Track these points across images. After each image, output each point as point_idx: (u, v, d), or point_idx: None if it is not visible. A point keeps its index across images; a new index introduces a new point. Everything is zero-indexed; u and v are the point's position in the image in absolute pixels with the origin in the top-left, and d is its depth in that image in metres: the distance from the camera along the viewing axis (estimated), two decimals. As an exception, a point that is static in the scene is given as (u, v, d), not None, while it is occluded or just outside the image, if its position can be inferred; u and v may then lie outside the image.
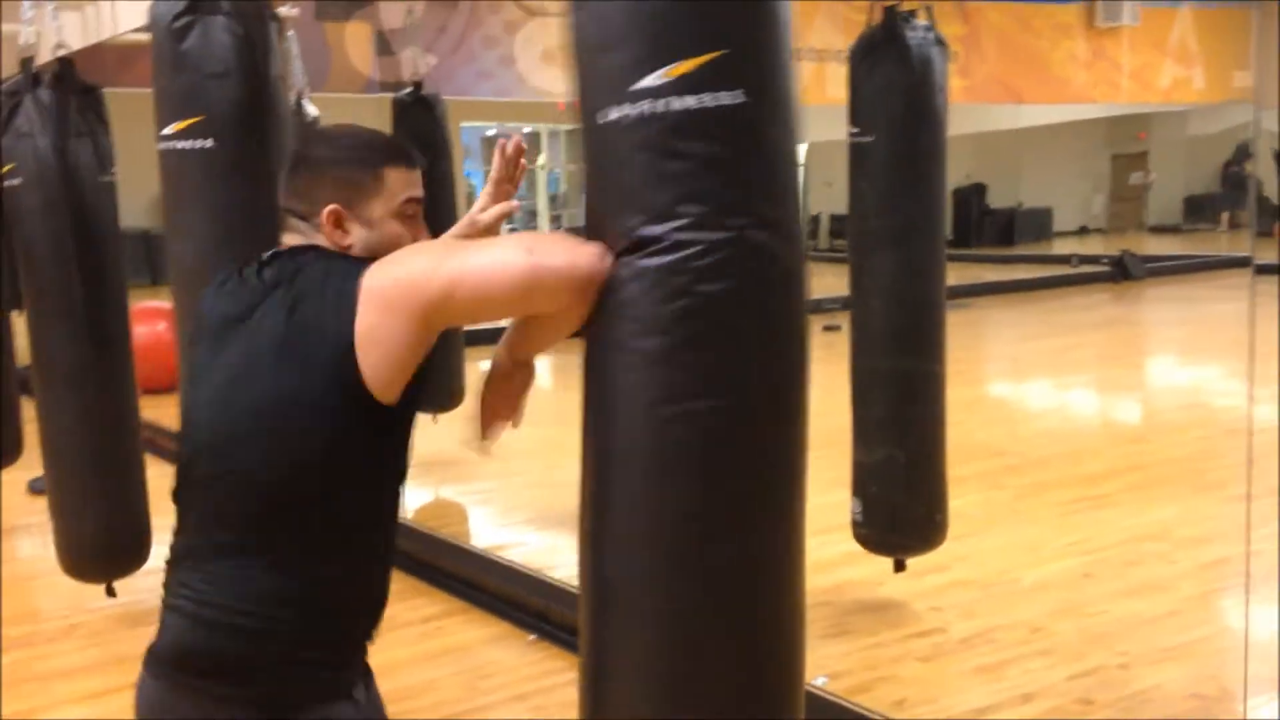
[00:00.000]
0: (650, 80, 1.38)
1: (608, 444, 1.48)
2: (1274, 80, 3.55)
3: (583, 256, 1.41)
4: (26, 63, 3.52)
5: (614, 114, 1.39)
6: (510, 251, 1.44)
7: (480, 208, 1.84)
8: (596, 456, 1.50)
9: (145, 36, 5.51)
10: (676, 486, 1.43)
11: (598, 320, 1.45)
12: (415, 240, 1.61)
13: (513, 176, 1.83)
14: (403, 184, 1.61)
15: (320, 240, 1.59)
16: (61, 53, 3.72)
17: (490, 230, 1.83)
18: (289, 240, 1.60)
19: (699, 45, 1.37)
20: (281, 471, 1.48)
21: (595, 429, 1.50)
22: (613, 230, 1.43)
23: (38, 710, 3.31)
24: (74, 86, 3.59)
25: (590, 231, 1.46)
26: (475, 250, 1.47)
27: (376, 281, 1.46)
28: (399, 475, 1.61)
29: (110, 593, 3.68)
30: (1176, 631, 3.61)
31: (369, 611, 1.64)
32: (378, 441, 1.53)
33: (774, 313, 1.43)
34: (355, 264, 1.51)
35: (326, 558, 1.53)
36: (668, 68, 1.38)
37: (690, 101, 1.37)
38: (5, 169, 3.49)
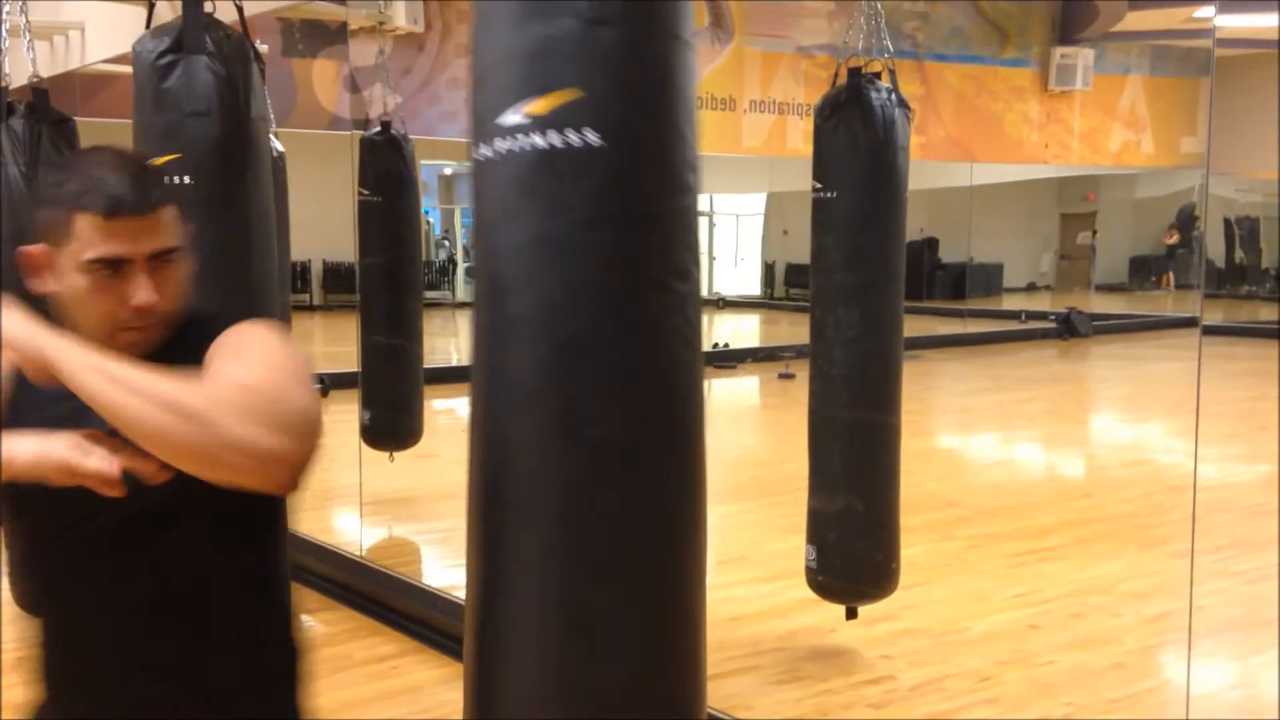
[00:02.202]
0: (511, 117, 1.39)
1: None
2: (1223, 147, 3.69)
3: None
4: (1, 91, 3.54)
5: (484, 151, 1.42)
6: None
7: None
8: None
9: (113, 67, 5.53)
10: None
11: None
12: (121, 307, 1.33)
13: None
14: (92, 236, 1.31)
15: None
16: (35, 83, 3.74)
17: None
18: None
19: (558, 83, 1.38)
20: None
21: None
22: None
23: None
24: (48, 117, 3.61)
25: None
26: None
27: None
28: None
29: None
30: (1121, 684, 3.69)
31: None
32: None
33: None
34: None
35: None
36: (528, 105, 1.38)
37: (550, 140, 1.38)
38: (-27, 196, 3.50)
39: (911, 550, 3.85)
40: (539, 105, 1.38)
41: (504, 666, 1.50)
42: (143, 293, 1.33)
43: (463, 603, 4.13)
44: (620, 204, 1.41)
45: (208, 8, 2.47)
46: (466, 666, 1.56)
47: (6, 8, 3.71)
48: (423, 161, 5.86)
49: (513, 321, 1.44)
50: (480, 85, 1.45)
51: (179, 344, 1.39)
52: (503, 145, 1.40)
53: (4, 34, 3.63)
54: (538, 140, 1.38)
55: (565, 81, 1.38)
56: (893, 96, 3.46)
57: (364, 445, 5.78)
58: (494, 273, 1.48)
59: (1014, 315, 17.21)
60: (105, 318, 1.34)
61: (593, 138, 1.37)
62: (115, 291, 1.32)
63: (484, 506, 1.50)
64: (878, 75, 3.49)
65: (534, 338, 1.42)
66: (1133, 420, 9.63)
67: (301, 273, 16.14)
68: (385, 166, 5.71)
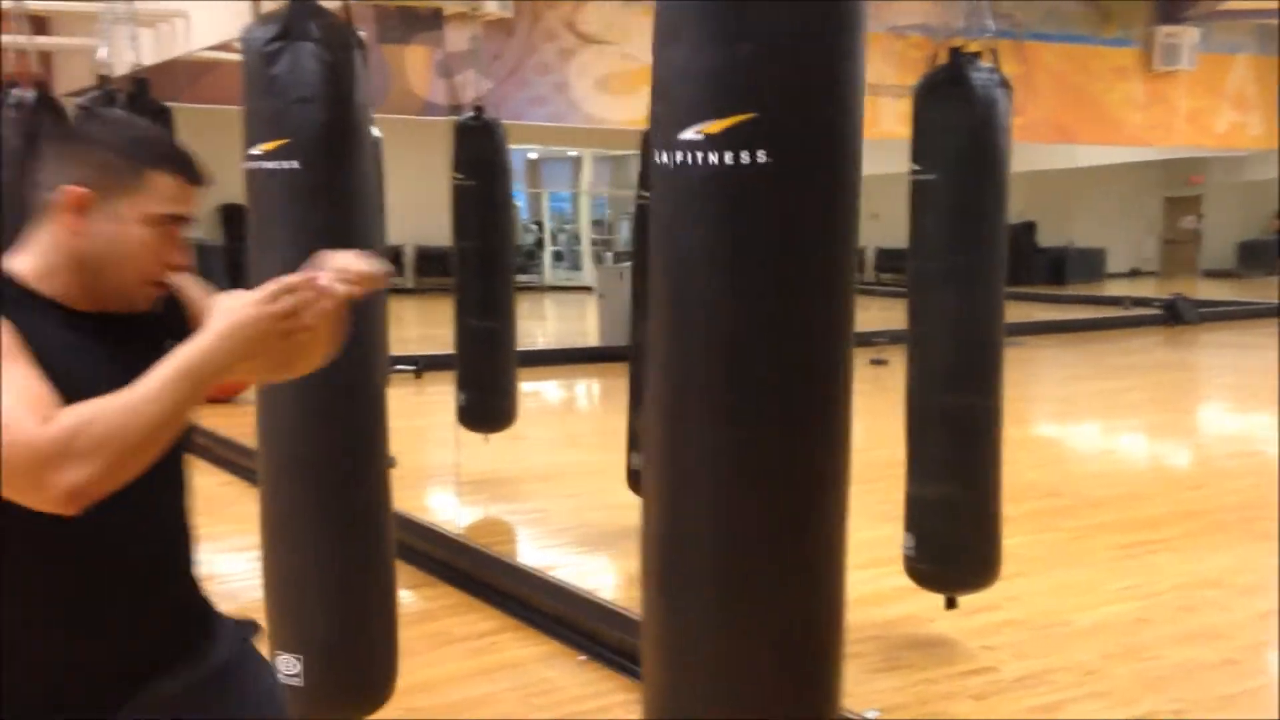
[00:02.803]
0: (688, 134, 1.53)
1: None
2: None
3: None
4: (104, 80, 3.62)
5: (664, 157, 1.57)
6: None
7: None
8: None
9: (216, 54, 5.63)
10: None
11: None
12: (165, 262, 1.43)
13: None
14: (171, 194, 1.41)
15: (35, 242, 1.40)
16: (136, 72, 3.83)
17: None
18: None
19: (731, 107, 1.52)
20: None
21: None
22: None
23: None
24: (147, 107, 3.68)
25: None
26: None
27: None
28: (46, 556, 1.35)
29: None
30: (1233, 680, 3.57)
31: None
32: None
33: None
34: None
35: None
36: (703, 124, 1.53)
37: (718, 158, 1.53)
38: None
39: (1012, 540, 3.77)
40: (714, 126, 1.52)
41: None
42: (180, 254, 1.44)
43: (560, 583, 4.18)
44: (789, 218, 1.57)
45: (312, -6, 2.50)
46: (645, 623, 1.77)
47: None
48: (510, 146, 5.90)
49: (689, 315, 1.63)
50: (663, 95, 1.59)
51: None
52: (679, 157, 1.55)
53: (109, 23, 3.71)
54: (711, 157, 1.53)
55: (740, 105, 1.52)
56: (994, 76, 3.38)
57: (460, 427, 5.86)
58: (668, 269, 1.64)
59: (1116, 301, 16.78)
60: (147, 268, 1.42)
61: (762, 157, 1.51)
62: (163, 247, 1.42)
63: (660, 480, 1.68)
64: (978, 55, 3.41)
65: (708, 331, 1.61)
66: (1241, 410, 9.32)
67: (395, 257, 16.38)
68: (479, 151, 5.75)
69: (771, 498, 1.62)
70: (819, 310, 1.61)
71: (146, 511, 1.44)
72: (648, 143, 4.83)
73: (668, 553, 1.70)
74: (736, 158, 1.51)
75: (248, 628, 1.62)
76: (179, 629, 1.51)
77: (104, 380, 1.29)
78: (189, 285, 1.53)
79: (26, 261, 1.41)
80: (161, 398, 1.26)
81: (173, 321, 1.49)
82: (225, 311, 1.33)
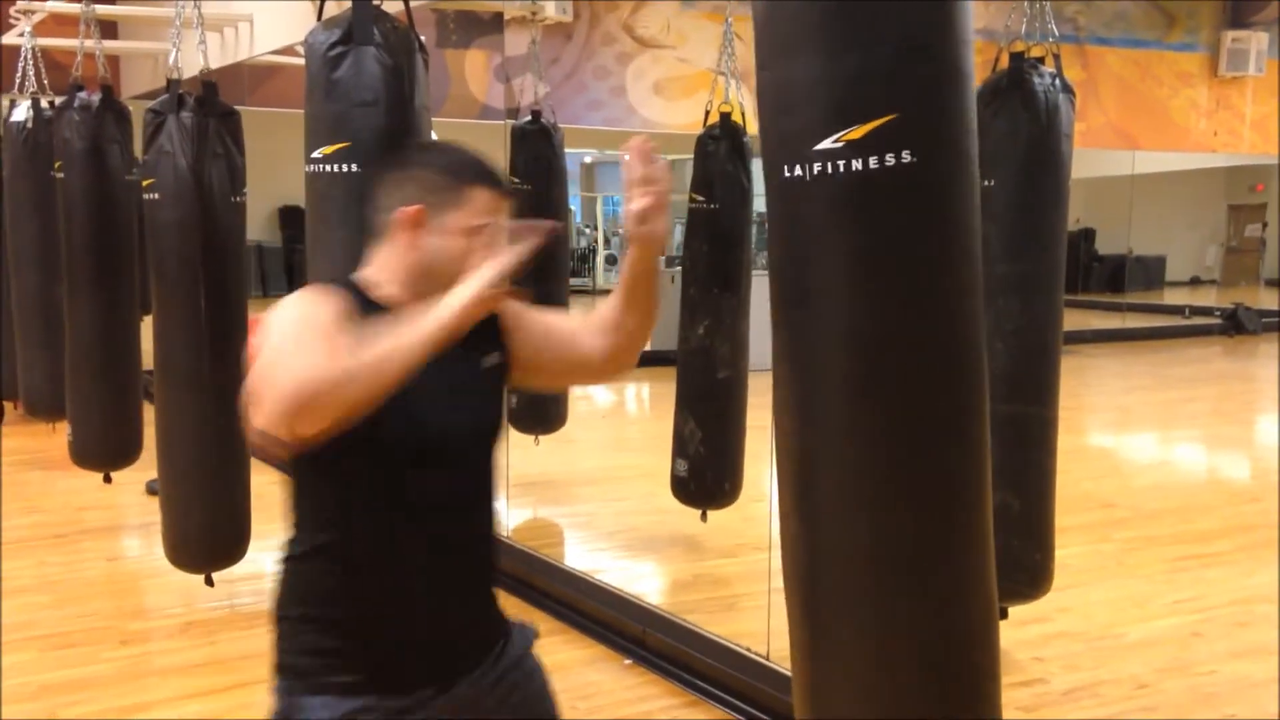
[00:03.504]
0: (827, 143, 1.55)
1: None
2: None
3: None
4: (172, 84, 3.68)
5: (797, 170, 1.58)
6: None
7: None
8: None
9: (279, 58, 5.71)
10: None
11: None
12: (481, 261, 1.57)
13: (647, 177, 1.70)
14: (487, 205, 1.61)
15: (375, 258, 1.62)
16: (204, 76, 3.89)
17: (643, 223, 1.69)
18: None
19: (872, 110, 1.53)
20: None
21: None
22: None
23: (154, 705, 3.44)
24: (215, 109, 3.74)
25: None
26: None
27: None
28: (376, 508, 1.62)
29: (209, 582, 3.86)
30: (1289, 698, 3.51)
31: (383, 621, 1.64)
32: (321, 481, 1.62)
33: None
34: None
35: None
36: (844, 131, 1.54)
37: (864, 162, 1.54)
38: (146, 183, 3.66)
39: (1066, 551, 3.73)
40: (855, 132, 1.55)
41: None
42: (498, 248, 1.60)
43: (606, 586, 4.18)
44: (932, 218, 1.62)
45: (374, 0, 2.54)
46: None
47: (181, 2, 3.86)
48: (566, 149, 5.94)
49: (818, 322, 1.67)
50: (786, 109, 1.61)
51: None
52: (817, 168, 1.57)
53: (177, 28, 3.78)
54: (855, 163, 1.55)
55: (881, 109, 1.54)
56: (1056, 82, 3.34)
57: (511, 428, 5.90)
58: (796, 279, 1.68)
59: (1177, 310, 16.50)
60: (470, 270, 1.56)
61: (906, 156, 1.55)
62: (485, 252, 1.58)
63: (797, 478, 1.70)
64: (1041, 60, 3.38)
65: (842, 338, 1.64)
66: (1304, 422, 9.15)
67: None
68: (535, 154, 5.78)
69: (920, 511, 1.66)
70: (965, 310, 1.67)
71: (464, 515, 1.70)
72: (703, 148, 4.83)
73: (813, 565, 1.71)
74: (882, 160, 1.54)
75: (529, 631, 1.84)
76: (486, 624, 1.76)
77: (421, 375, 1.46)
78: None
79: (369, 272, 1.64)
80: (416, 347, 1.45)
81: (485, 327, 1.63)
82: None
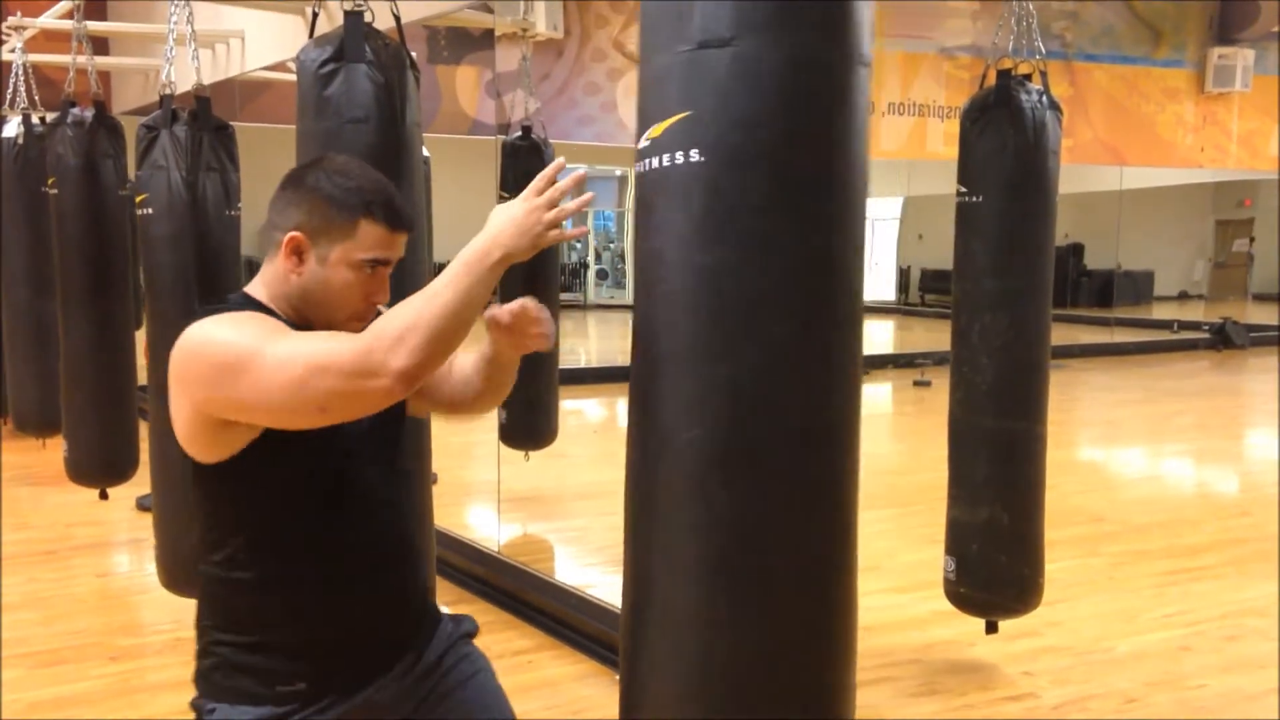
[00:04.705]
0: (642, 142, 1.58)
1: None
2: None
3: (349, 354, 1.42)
4: (165, 99, 3.69)
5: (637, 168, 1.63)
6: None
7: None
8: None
9: (270, 74, 5.72)
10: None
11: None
12: (364, 299, 1.59)
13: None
14: (377, 240, 1.57)
15: (264, 273, 1.61)
16: (198, 90, 3.90)
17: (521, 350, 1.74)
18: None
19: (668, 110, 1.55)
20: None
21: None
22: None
23: (144, 720, 3.43)
24: (208, 124, 3.75)
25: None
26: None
27: (176, 349, 1.51)
28: (294, 512, 1.63)
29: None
30: (1276, 711, 3.52)
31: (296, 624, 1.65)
32: (224, 487, 1.62)
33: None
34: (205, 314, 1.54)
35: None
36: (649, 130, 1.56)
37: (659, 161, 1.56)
38: (139, 198, 3.67)
39: (1055, 565, 3.75)
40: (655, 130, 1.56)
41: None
42: (383, 293, 1.61)
43: (597, 601, 4.17)
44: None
45: (366, 17, 2.55)
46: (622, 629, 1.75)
47: (174, 18, 3.87)
48: (557, 166, 5.93)
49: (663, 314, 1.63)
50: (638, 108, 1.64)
51: None
52: (638, 167, 1.60)
53: (170, 43, 3.79)
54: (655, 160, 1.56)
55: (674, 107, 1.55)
56: (1043, 99, 3.37)
57: (501, 444, 5.89)
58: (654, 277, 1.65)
59: (1165, 325, 16.58)
60: (351, 306, 1.59)
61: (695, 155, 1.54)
62: (364, 287, 1.58)
63: (639, 482, 1.68)
64: (1028, 77, 3.41)
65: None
66: (1292, 436, 9.18)
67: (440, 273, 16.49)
68: (526, 170, 5.79)
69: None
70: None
71: (377, 507, 1.69)
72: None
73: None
74: (673, 159, 1.58)
75: (465, 623, 1.84)
76: (407, 617, 1.74)
77: None
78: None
79: (260, 289, 1.62)
80: (450, 287, 1.44)
81: None
82: (497, 211, 1.51)
